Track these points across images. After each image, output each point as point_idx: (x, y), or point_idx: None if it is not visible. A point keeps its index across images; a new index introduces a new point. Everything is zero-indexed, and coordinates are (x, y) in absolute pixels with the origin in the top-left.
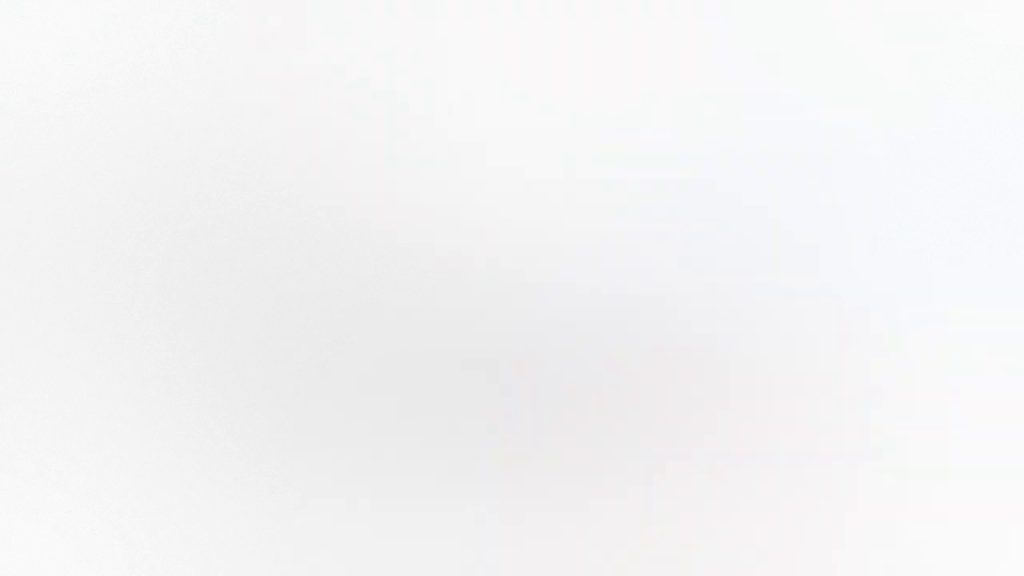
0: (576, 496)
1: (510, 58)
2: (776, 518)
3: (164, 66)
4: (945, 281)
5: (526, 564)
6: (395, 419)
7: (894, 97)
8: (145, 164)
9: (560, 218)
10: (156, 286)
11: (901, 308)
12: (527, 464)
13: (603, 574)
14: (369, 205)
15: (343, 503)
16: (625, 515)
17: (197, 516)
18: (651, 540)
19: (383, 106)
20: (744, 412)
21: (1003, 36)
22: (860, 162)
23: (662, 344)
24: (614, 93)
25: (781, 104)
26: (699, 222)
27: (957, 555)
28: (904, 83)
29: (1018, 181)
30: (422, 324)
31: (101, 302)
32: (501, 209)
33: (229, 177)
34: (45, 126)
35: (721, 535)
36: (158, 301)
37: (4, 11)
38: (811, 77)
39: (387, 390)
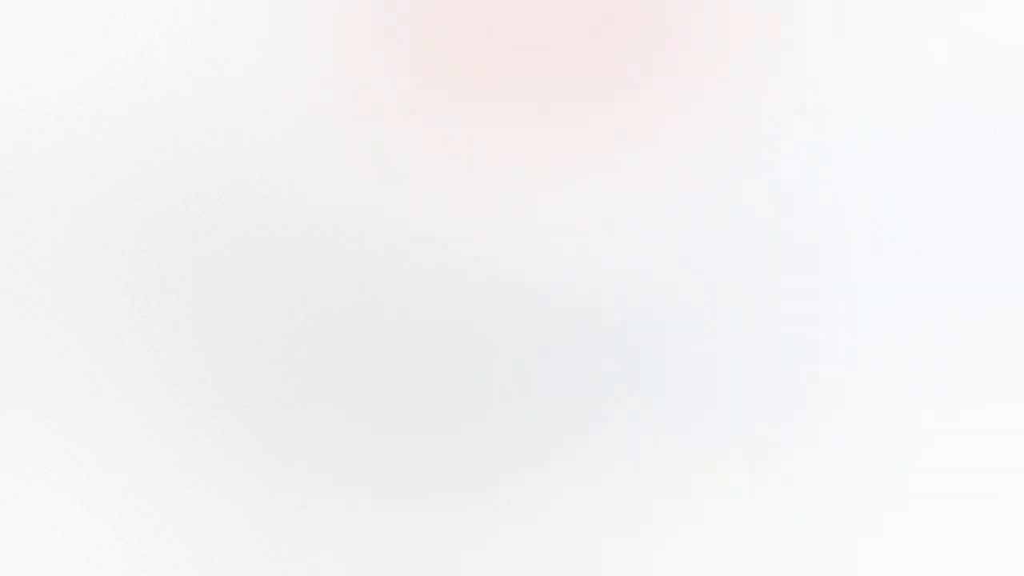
0: (577, 496)
1: (511, 58)
2: (776, 518)
3: (164, 66)
4: (945, 281)
5: (527, 564)
6: (395, 419)
7: (894, 97)
8: (145, 164)
9: (561, 218)
10: (156, 286)
11: (901, 308)
12: (527, 464)
13: (604, 574)
14: (369, 205)
15: (343, 503)
16: (626, 515)
17: (197, 516)
18: (652, 540)
19: (383, 106)
20: (744, 412)
21: (1003, 36)
22: (860, 162)
23: (662, 343)
24: (614, 92)
25: (780, 104)
26: (698, 222)
27: (957, 555)
28: (904, 83)
29: (1018, 181)
30: (422, 324)
31: (101, 302)
32: (501, 209)
33: (229, 177)
34: (45, 126)
35: (721, 536)
36: (158, 301)
37: (4, 11)
38: (811, 77)
39: (387, 390)
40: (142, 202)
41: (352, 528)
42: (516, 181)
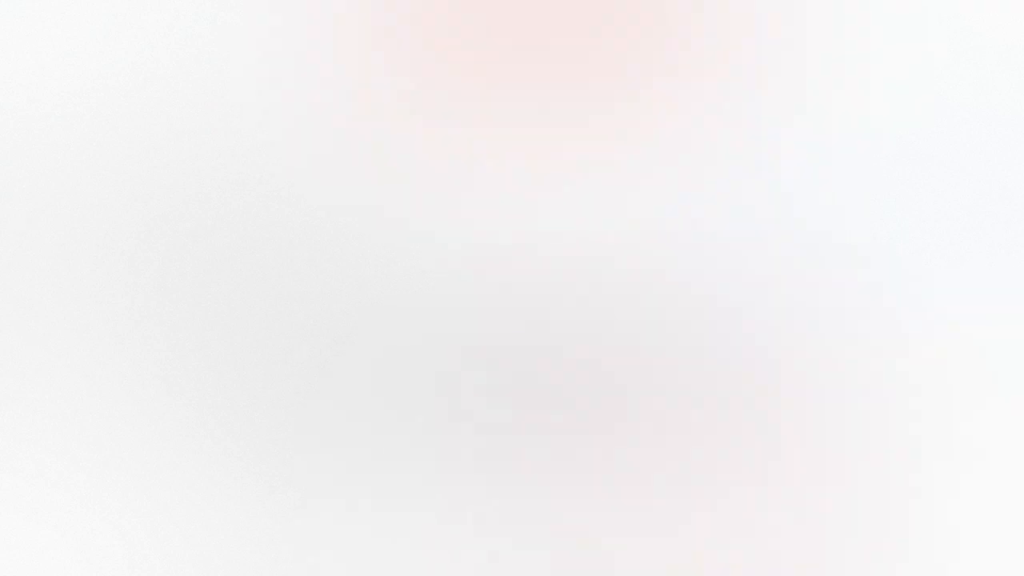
0: (579, 496)
1: (511, 58)
2: (775, 518)
3: (164, 66)
4: (945, 281)
5: (528, 564)
6: (395, 419)
7: (894, 97)
8: (145, 164)
9: (561, 218)
10: (156, 286)
11: (901, 308)
12: (528, 464)
13: (606, 573)
14: (369, 205)
15: (343, 503)
16: (628, 515)
17: (197, 516)
18: (653, 540)
19: (383, 106)
20: (744, 412)
21: (1003, 36)
22: (860, 162)
23: (661, 343)
24: (614, 92)
25: (780, 104)
26: (698, 222)
27: (957, 555)
28: (904, 83)
29: (1018, 181)
30: (422, 324)
31: (101, 302)
32: (501, 209)
33: (229, 177)
34: (45, 126)
35: (721, 536)
36: (158, 301)
37: (4, 11)
38: (811, 77)
39: (387, 390)
40: (142, 202)
41: (352, 528)
42: (516, 181)
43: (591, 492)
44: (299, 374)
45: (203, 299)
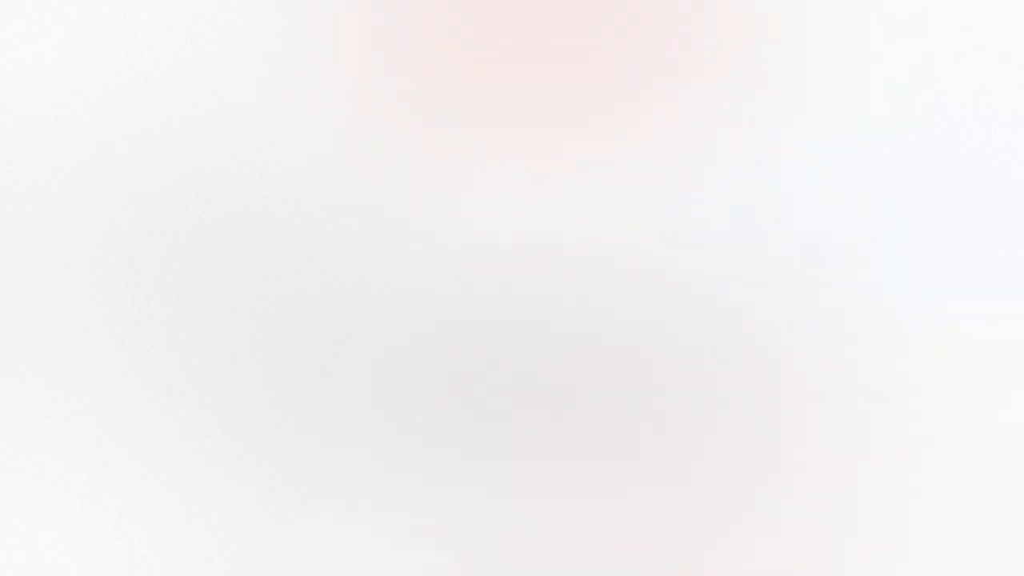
0: (580, 496)
1: (511, 58)
2: (776, 518)
3: (164, 66)
4: (945, 281)
5: (528, 564)
6: (395, 419)
7: (894, 97)
8: (145, 164)
9: (561, 218)
10: (156, 286)
11: (901, 308)
12: (529, 464)
13: (607, 573)
14: (369, 205)
15: (343, 503)
16: (628, 515)
17: (197, 516)
18: (653, 540)
19: (383, 106)
20: (744, 412)
21: (1003, 36)
22: (860, 162)
23: (661, 343)
24: (614, 92)
25: (780, 104)
26: (698, 222)
27: (957, 555)
28: (904, 83)
29: (1018, 181)
30: (422, 324)
31: (101, 302)
32: (501, 209)
33: (229, 177)
34: (45, 126)
35: (721, 536)
36: (158, 301)
37: (4, 11)
38: (811, 77)
39: (387, 390)
40: (142, 202)
41: (352, 528)
42: (516, 181)
43: (591, 492)
44: (299, 374)
45: (203, 299)
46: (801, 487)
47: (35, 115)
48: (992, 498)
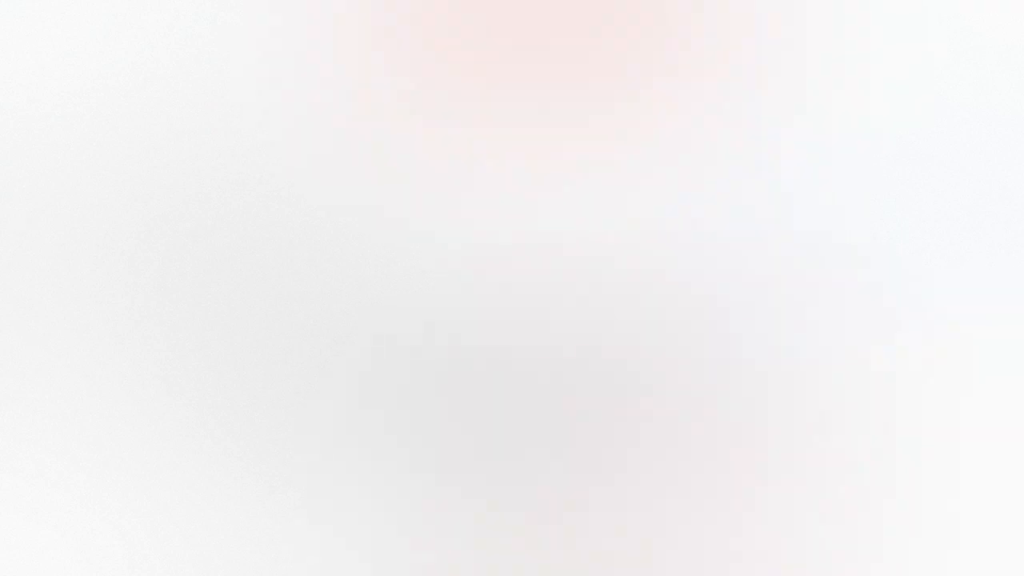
0: (581, 496)
1: (511, 58)
2: (775, 518)
3: (164, 66)
4: (945, 281)
5: (529, 564)
6: (395, 419)
7: (894, 97)
8: (145, 164)
9: (561, 218)
10: (156, 286)
11: (901, 308)
12: (529, 464)
13: (607, 573)
14: (369, 205)
15: (343, 503)
16: (628, 515)
17: (197, 516)
18: (653, 540)
19: (383, 106)
20: (743, 412)
21: (1003, 36)
22: (860, 162)
23: (661, 343)
24: (614, 92)
25: (780, 104)
26: (698, 222)
27: (957, 555)
28: (904, 83)
29: (1018, 181)
30: (422, 324)
31: (101, 302)
32: (501, 209)
33: (229, 177)
34: (45, 126)
35: (721, 536)
36: (158, 301)
37: (4, 11)
38: (811, 77)
39: (387, 390)
40: (142, 202)
41: (352, 528)
42: (516, 181)
43: (591, 492)
44: (299, 374)
45: (203, 299)
46: (801, 487)
47: (35, 115)
48: (992, 498)
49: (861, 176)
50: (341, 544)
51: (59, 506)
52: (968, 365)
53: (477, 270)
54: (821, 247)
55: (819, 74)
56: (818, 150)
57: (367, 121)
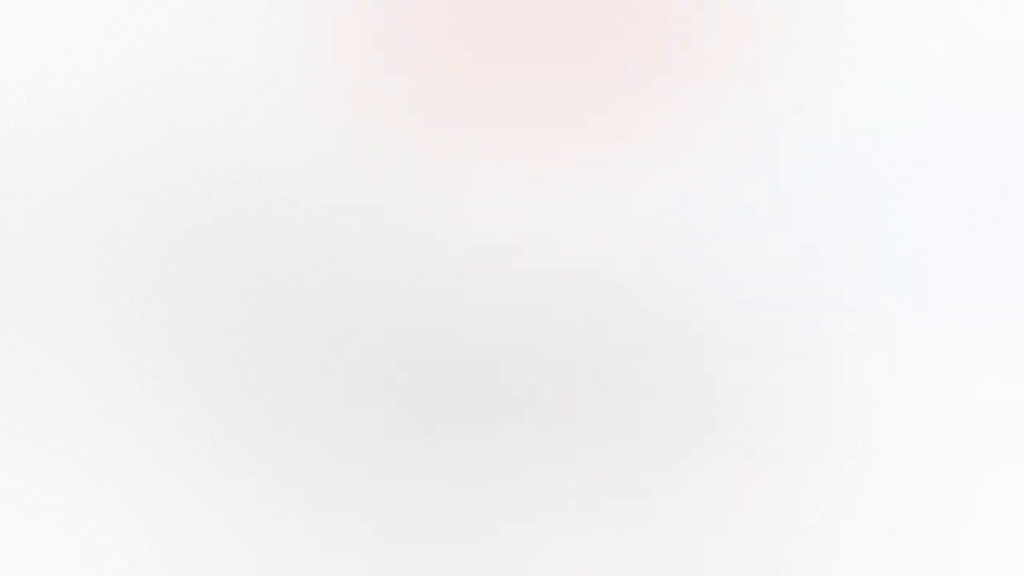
0: (581, 496)
1: (511, 58)
2: (775, 518)
3: (164, 66)
4: (945, 281)
5: (529, 564)
6: (396, 419)
7: (894, 97)
8: (145, 164)
9: (561, 218)
10: (156, 286)
11: (901, 308)
12: (529, 464)
13: (607, 573)
14: (369, 205)
15: (343, 503)
16: (627, 515)
17: (197, 516)
18: (652, 540)
19: (383, 106)
20: (743, 412)
21: (1003, 36)
22: (860, 162)
23: (661, 343)
24: (614, 92)
25: (780, 104)
26: (698, 222)
27: (957, 555)
28: (904, 83)
29: (1018, 181)
30: (422, 324)
31: (101, 302)
32: (501, 209)
33: (229, 177)
34: (45, 126)
35: (721, 536)
36: (158, 301)
37: (4, 11)
38: (811, 77)
39: (387, 390)
40: (142, 202)
41: (352, 528)
42: (516, 181)
43: (590, 492)
44: (299, 374)
45: (203, 299)
46: (802, 487)
47: (35, 115)
48: (993, 498)
49: (861, 176)
50: (341, 544)
51: (59, 506)
52: (968, 365)
53: (477, 270)
54: (821, 247)
55: (819, 74)
56: (818, 150)
57: (367, 121)
